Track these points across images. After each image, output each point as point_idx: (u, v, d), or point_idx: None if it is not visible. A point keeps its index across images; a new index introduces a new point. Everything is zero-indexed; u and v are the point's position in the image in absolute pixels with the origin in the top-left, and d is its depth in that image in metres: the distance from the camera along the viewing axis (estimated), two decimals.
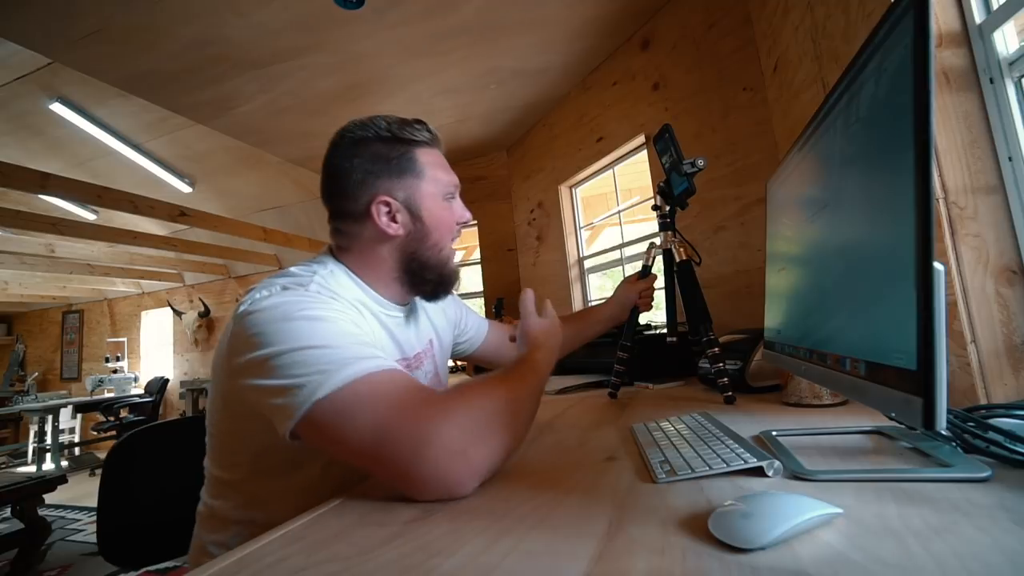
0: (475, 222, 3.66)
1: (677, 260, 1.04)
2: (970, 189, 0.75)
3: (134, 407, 5.13)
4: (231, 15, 1.98)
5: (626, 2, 2.09)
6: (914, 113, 0.36)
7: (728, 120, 1.81)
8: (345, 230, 0.74)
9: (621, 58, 2.39)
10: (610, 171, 2.71)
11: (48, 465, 4.57)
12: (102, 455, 5.48)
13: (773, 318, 0.83)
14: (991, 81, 0.76)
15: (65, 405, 5.02)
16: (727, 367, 0.96)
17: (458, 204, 0.79)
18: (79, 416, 5.74)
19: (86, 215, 4.62)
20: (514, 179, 3.50)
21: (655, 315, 1.35)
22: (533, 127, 3.22)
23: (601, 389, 1.36)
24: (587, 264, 2.93)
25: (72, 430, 5.79)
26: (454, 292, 0.97)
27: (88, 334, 6.58)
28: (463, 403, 0.55)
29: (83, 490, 4.06)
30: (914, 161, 0.36)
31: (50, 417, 4.67)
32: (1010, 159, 0.74)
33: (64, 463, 4.77)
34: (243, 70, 2.37)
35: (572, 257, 2.97)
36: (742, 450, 0.53)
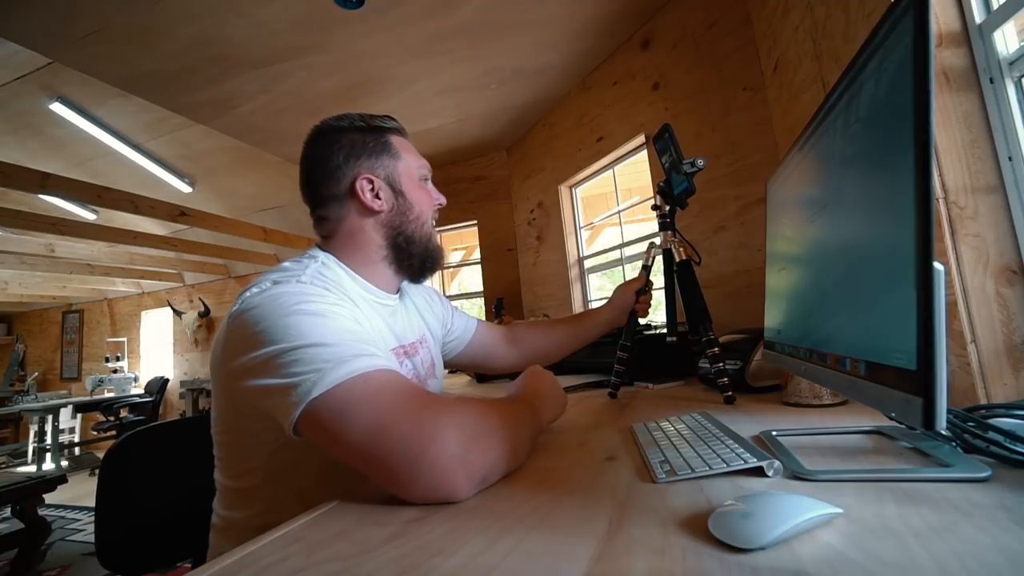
0: (475, 221, 3.67)
1: (677, 260, 1.04)
2: (970, 189, 0.75)
3: (134, 407, 5.13)
4: (231, 15, 1.98)
5: (626, 2, 2.09)
6: (914, 113, 0.36)
7: (728, 120, 1.81)
8: (329, 215, 0.77)
9: (621, 58, 2.38)
10: (610, 171, 2.71)
11: (48, 465, 4.57)
12: (102, 455, 5.47)
13: (773, 318, 0.83)
14: (991, 81, 0.75)
15: (65, 405, 5.02)
16: (727, 367, 0.96)
17: (432, 187, 0.84)
18: (79, 416, 5.74)
19: (86, 215, 4.62)
20: (514, 179, 3.50)
21: (655, 315, 1.35)
22: (533, 127, 3.22)
23: (601, 389, 1.36)
24: (587, 264, 2.93)
25: (72, 430, 5.79)
26: (443, 297, 1.00)
27: (88, 334, 6.58)
28: (463, 409, 0.55)
29: (83, 490, 4.06)
30: (914, 161, 0.36)
31: (50, 417, 4.67)
32: (1010, 159, 0.74)
33: (64, 463, 4.77)
34: (243, 70, 2.37)
35: (572, 257, 2.97)
36: (742, 450, 0.53)
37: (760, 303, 0.91)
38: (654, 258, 1.12)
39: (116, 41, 2.08)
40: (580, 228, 3.01)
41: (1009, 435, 0.47)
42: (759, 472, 0.49)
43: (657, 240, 1.10)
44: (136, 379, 5.63)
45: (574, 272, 2.95)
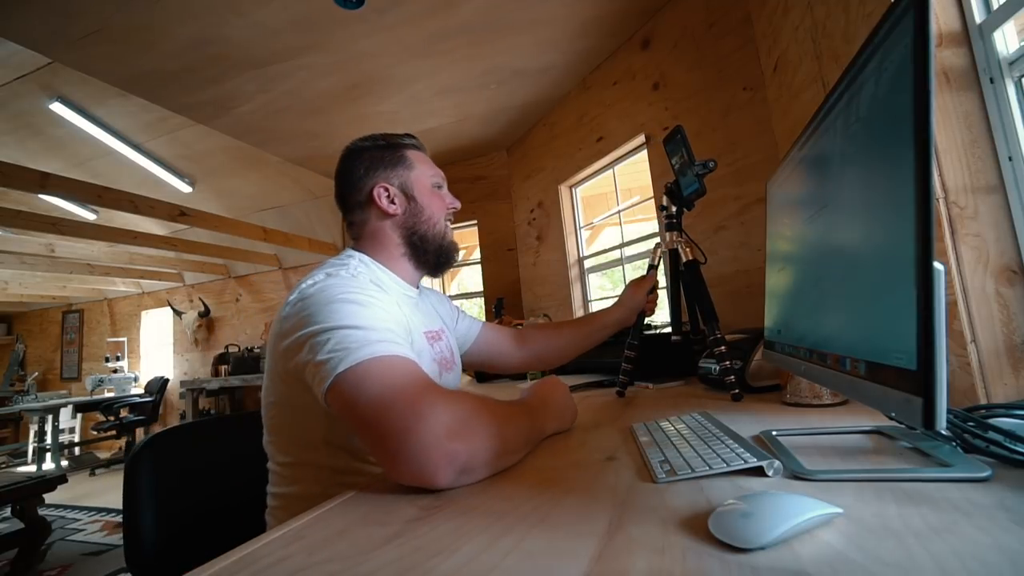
0: (475, 221, 3.67)
1: (683, 260, 1.04)
2: (970, 189, 0.75)
3: (134, 407, 5.13)
4: (231, 15, 1.98)
5: (626, 2, 2.09)
6: (914, 113, 0.36)
7: (728, 119, 1.81)
8: (355, 220, 0.89)
9: (621, 57, 2.38)
10: (610, 171, 2.70)
11: (48, 465, 4.58)
12: (102, 455, 5.49)
13: (773, 318, 0.83)
14: (991, 81, 0.76)
15: (65, 405, 5.02)
16: (731, 366, 0.96)
17: (446, 192, 0.93)
18: (79, 416, 5.74)
19: (86, 215, 4.62)
20: (514, 179, 3.50)
21: (654, 315, 1.35)
22: (533, 127, 3.22)
23: (602, 389, 1.36)
24: (587, 264, 2.93)
25: (72, 430, 5.79)
26: (449, 300, 1.07)
27: (88, 334, 6.57)
28: (459, 400, 0.59)
29: (83, 490, 4.06)
30: (914, 161, 0.36)
31: (50, 417, 4.68)
32: (1010, 159, 0.74)
33: (64, 463, 4.78)
34: (243, 70, 2.37)
35: (572, 257, 2.97)
36: (742, 450, 0.53)
37: (760, 303, 0.91)
38: (660, 258, 1.12)
39: (116, 41, 2.08)
40: (580, 228, 3.01)
41: (1009, 435, 0.47)
42: (759, 472, 0.49)
43: (662, 239, 1.11)
44: (136, 379, 5.64)
45: (574, 272, 2.95)
